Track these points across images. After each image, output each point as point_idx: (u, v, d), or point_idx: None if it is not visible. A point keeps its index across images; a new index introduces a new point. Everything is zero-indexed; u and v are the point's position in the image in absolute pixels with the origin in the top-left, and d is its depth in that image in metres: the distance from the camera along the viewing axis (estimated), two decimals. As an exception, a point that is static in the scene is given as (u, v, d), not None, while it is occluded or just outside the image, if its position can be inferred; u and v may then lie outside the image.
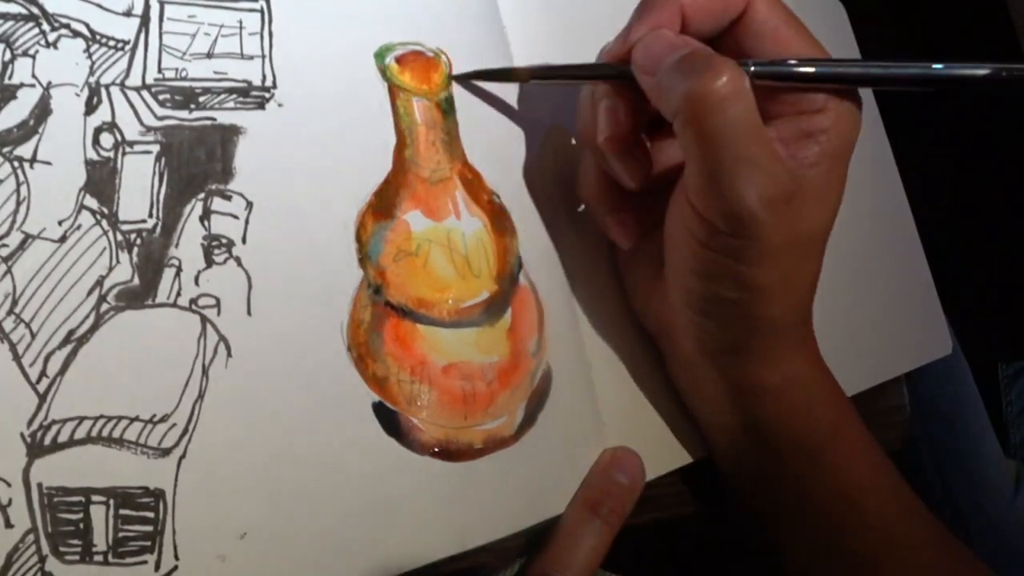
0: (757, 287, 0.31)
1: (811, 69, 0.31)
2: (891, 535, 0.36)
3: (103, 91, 0.30)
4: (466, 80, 0.36)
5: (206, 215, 0.30)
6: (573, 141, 0.39)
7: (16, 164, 0.28)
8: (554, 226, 0.38)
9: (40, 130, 0.28)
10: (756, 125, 0.29)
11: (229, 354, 0.29)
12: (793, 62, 0.31)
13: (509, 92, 0.37)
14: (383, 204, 0.33)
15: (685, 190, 0.31)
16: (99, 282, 0.28)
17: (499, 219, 0.35)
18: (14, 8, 0.29)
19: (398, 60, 0.34)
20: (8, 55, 0.29)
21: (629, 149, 0.33)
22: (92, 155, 0.29)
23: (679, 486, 0.41)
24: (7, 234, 0.28)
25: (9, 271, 0.27)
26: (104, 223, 0.29)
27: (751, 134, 0.28)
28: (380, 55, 0.34)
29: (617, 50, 0.33)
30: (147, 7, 0.31)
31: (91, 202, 0.29)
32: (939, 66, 0.30)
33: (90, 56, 0.30)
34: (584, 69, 0.35)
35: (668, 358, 0.38)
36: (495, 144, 0.36)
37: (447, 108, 0.35)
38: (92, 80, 0.29)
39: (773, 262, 0.30)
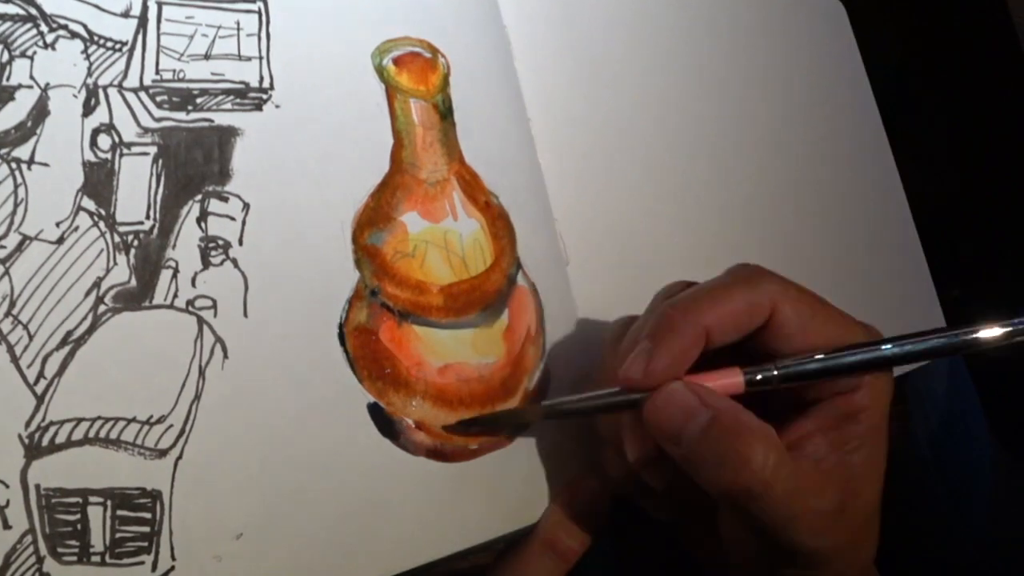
0: None
1: (842, 361, 0.30)
2: None
3: (101, 92, 0.30)
4: (471, 426, 0.33)
5: (203, 217, 0.30)
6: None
7: (14, 165, 0.28)
8: (553, 227, 0.37)
9: (38, 131, 0.29)
10: (799, 486, 0.28)
11: (225, 355, 0.29)
12: (820, 358, 0.30)
13: (511, 93, 0.37)
14: (380, 205, 0.33)
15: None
16: (97, 283, 0.28)
17: (497, 220, 0.35)
18: (12, 9, 0.29)
19: (395, 61, 0.34)
20: (6, 56, 0.29)
21: (657, 461, 0.31)
22: (90, 156, 0.29)
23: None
24: (5, 235, 0.28)
25: (7, 272, 0.27)
26: (102, 224, 0.29)
27: (796, 496, 0.28)
28: (377, 56, 0.34)
29: (636, 383, 0.30)
30: (145, 8, 0.31)
31: (89, 203, 0.29)
32: (956, 332, 0.30)
33: (88, 57, 0.30)
34: (600, 400, 0.31)
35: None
36: (493, 145, 0.36)
37: (444, 109, 0.35)
38: (90, 81, 0.29)
39: (841, 554, 0.30)
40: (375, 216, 0.32)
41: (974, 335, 0.30)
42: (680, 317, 0.29)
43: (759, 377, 0.30)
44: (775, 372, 0.30)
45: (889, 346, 0.30)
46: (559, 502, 0.34)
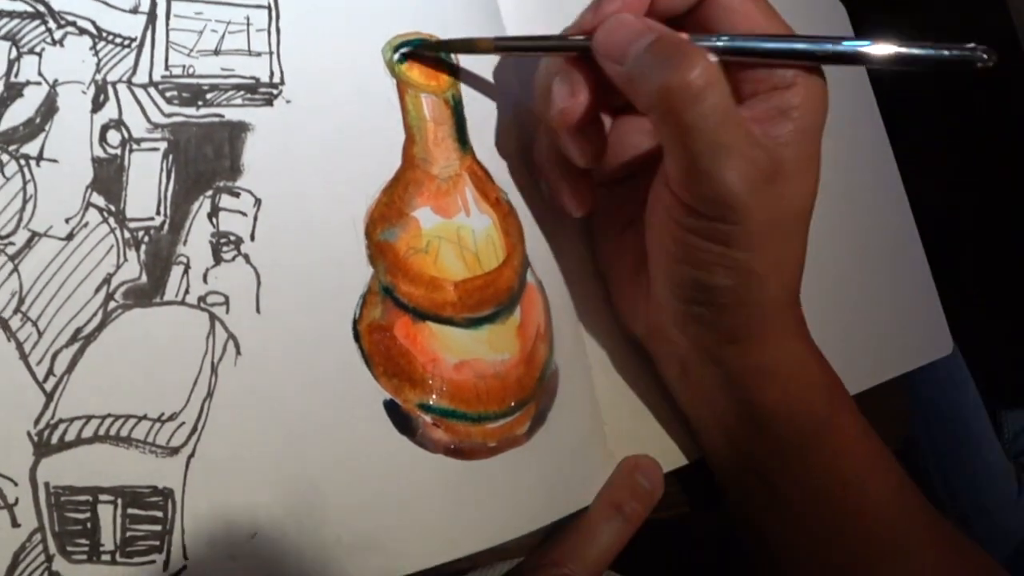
0: (748, 271, 0.31)
1: (778, 45, 0.32)
2: (891, 516, 0.36)
3: (110, 88, 0.29)
4: (424, 55, 0.34)
5: (214, 212, 0.30)
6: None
7: (23, 162, 0.28)
8: (559, 225, 0.38)
9: (47, 128, 0.28)
10: (732, 110, 0.29)
11: (238, 352, 0.29)
12: (761, 38, 0.32)
13: (518, 88, 0.37)
14: (392, 201, 0.32)
15: (666, 180, 0.31)
16: (106, 280, 0.28)
17: (508, 217, 0.35)
18: (20, 6, 0.29)
19: (407, 56, 0.34)
20: (14, 53, 0.28)
21: (583, 127, 0.33)
22: (99, 152, 0.29)
23: (677, 486, 0.41)
24: (14, 232, 0.27)
25: (16, 269, 0.27)
26: (111, 221, 0.28)
27: (729, 120, 0.29)
28: (388, 51, 0.34)
29: (586, 24, 0.32)
30: (154, 4, 0.30)
31: (98, 200, 0.28)
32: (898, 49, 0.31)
33: (97, 53, 0.29)
34: (548, 41, 0.34)
35: (660, 359, 0.37)
36: (503, 142, 0.36)
37: (456, 104, 0.35)
38: (99, 77, 0.29)
39: (762, 244, 0.31)
40: (388, 212, 0.32)
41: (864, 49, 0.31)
42: None
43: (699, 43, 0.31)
44: (720, 43, 0.31)
45: (828, 45, 0.32)
46: (622, 471, 0.35)
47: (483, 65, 0.36)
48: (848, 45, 0.32)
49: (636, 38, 0.30)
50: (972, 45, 0.30)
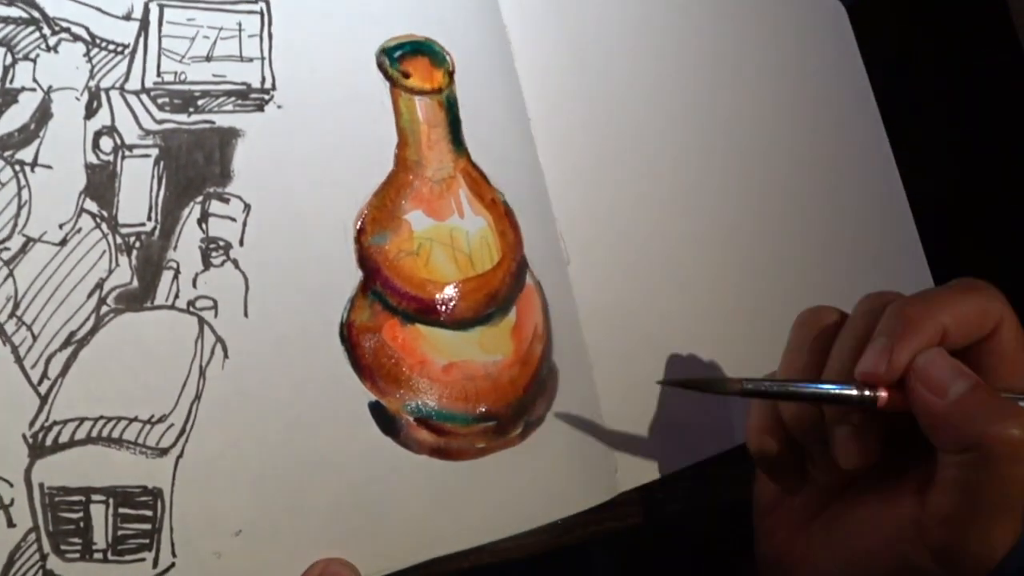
0: None
1: None
2: None
3: (103, 95, 0.30)
4: (674, 386, 0.33)
5: (204, 218, 0.30)
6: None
7: (17, 168, 0.28)
8: (554, 226, 0.38)
9: (41, 134, 0.29)
10: None
11: (226, 355, 0.29)
12: None
13: (512, 92, 0.37)
14: (384, 204, 0.33)
15: (916, 514, 0.30)
16: (99, 284, 0.29)
17: (504, 218, 0.35)
18: (15, 12, 0.29)
19: (400, 58, 0.34)
20: (9, 59, 0.29)
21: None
22: (92, 159, 0.29)
23: (678, 486, 0.41)
24: (8, 237, 0.28)
25: (11, 274, 0.28)
26: (104, 226, 0.29)
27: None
28: (382, 54, 0.34)
29: (877, 372, 0.30)
30: (146, 11, 0.31)
31: (91, 205, 0.29)
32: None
33: (90, 60, 0.30)
34: (822, 391, 0.30)
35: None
36: (496, 144, 0.36)
37: (451, 105, 0.35)
38: (92, 84, 0.30)
39: None
40: (379, 215, 0.33)
41: None
42: (919, 314, 0.30)
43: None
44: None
45: None
46: None
47: (475, 68, 0.36)
48: None
49: (955, 379, 0.29)
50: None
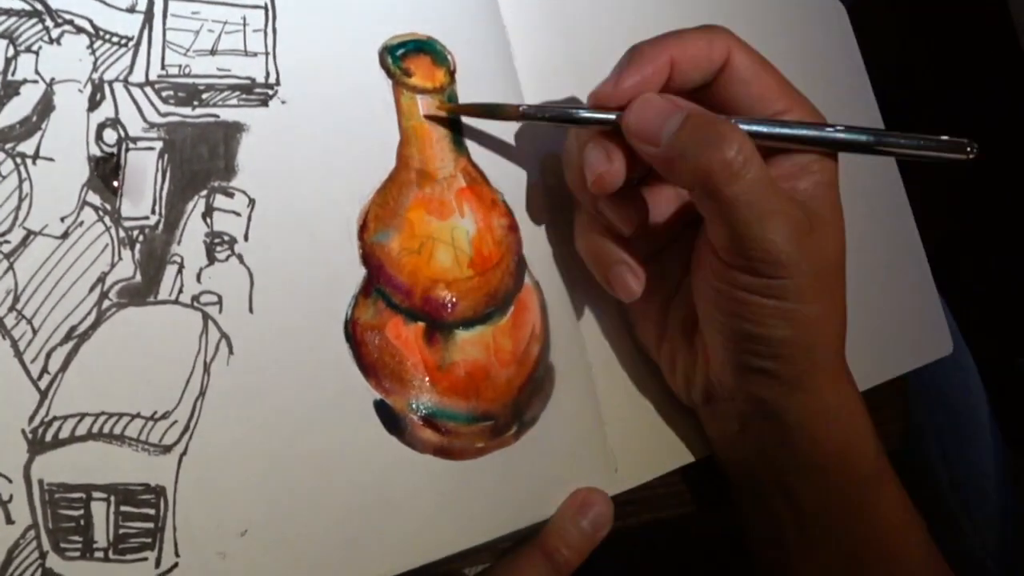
0: (804, 319, 0.32)
1: (800, 132, 0.34)
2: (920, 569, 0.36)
3: (106, 87, 0.30)
4: (450, 114, 0.35)
5: (208, 212, 0.30)
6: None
7: (19, 160, 0.28)
8: (557, 226, 0.38)
9: (43, 126, 0.28)
10: (769, 178, 0.31)
11: (231, 351, 0.29)
12: (782, 125, 0.34)
13: (512, 92, 0.37)
14: (387, 202, 0.33)
15: (711, 248, 0.32)
16: (101, 279, 0.28)
17: (503, 218, 0.35)
18: (18, 4, 0.29)
19: (403, 57, 0.34)
20: (11, 51, 0.29)
21: (622, 193, 0.33)
22: (95, 151, 0.29)
23: (679, 486, 0.41)
24: (9, 230, 0.28)
25: (11, 268, 0.27)
26: (107, 219, 0.29)
27: (768, 188, 0.31)
28: (384, 52, 0.34)
29: (607, 96, 0.33)
30: (151, 3, 0.31)
31: (94, 198, 0.29)
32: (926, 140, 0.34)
33: (93, 52, 0.30)
34: (574, 112, 0.34)
35: (718, 419, 0.37)
36: (499, 143, 0.36)
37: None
38: (95, 76, 0.29)
39: (812, 293, 0.32)
40: (382, 213, 0.32)
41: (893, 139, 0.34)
42: (647, 48, 0.33)
43: None
44: (731, 121, 0.32)
45: (831, 130, 0.34)
46: (563, 513, 0.34)
47: (481, 66, 0.36)
48: (853, 135, 0.34)
49: (667, 118, 0.31)
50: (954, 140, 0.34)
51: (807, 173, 0.34)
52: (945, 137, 0.34)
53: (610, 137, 0.33)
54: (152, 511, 0.27)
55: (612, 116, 0.33)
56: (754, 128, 0.33)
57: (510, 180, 0.36)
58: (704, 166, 0.30)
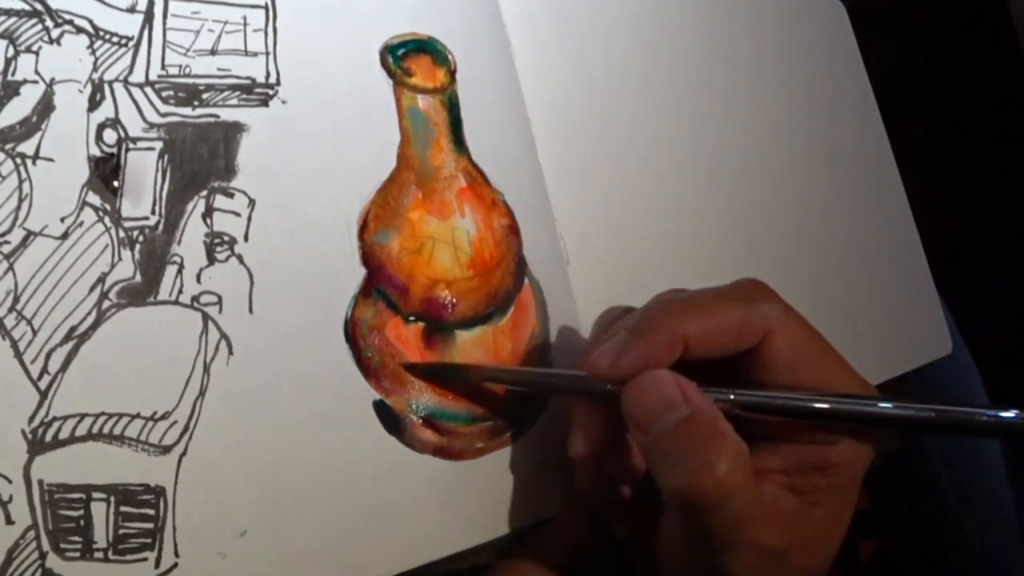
0: None
1: (824, 405, 0.28)
2: None
3: (106, 87, 0.29)
4: (418, 372, 0.32)
5: (208, 212, 0.30)
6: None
7: (19, 161, 0.28)
8: (554, 226, 0.37)
9: (43, 126, 0.28)
10: (752, 509, 0.27)
11: (231, 352, 0.29)
12: (783, 396, 0.28)
13: (512, 92, 0.37)
14: (387, 202, 0.33)
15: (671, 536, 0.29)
16: (101, 279, 0.28)
17: (504, 218, 0.35)
18: (18, 4, 0.29)
19: (403, 57, 0.34)
20: (11, 51, 0.29)
21: (609, 459, 0.31)
22: (95, 151, 0.29)
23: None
24: (9, 231, 0.27)
25: (11, 268, 0.27)
26: (107, 220, 0.29)
27: (748, 520, 0.26)
28: (385, 52, 0.34)
29: (599, 371, 0.29)
30: (151, 3, 0.31)
31: (94, 199, 0.29)
32: (985, 412, 0.27)
33: (93, 52, 0.30)
34: (559, 380, 0.31)
35: None
36: (497, 144, 0.36)
37: (453, 105, 0.35)
38: (95, 76, 0.29)
39: None
40: (382, 213, 0.32)
41: (975, 418, 0.27)
42: (662, 318, 0.29)
43: (712, 399, 0.28)
44: (731, 397, 0.28)
45: (884, 404, 0.27)
46: (533, 543, 0.33)
47: (476, 67, 0.36)
48: (910, 408, 0.28)
49: (667, 411, 0.27)
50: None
51: (820, 475, 0.28)
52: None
53: (596, 408, 0.30)
54: (152, 511, 0.27)
55: (603, 387, 0.29)
56: (754, 400, 0.28)
57: (510, 180, 0.36)
58: (686, 485, 0.26)
